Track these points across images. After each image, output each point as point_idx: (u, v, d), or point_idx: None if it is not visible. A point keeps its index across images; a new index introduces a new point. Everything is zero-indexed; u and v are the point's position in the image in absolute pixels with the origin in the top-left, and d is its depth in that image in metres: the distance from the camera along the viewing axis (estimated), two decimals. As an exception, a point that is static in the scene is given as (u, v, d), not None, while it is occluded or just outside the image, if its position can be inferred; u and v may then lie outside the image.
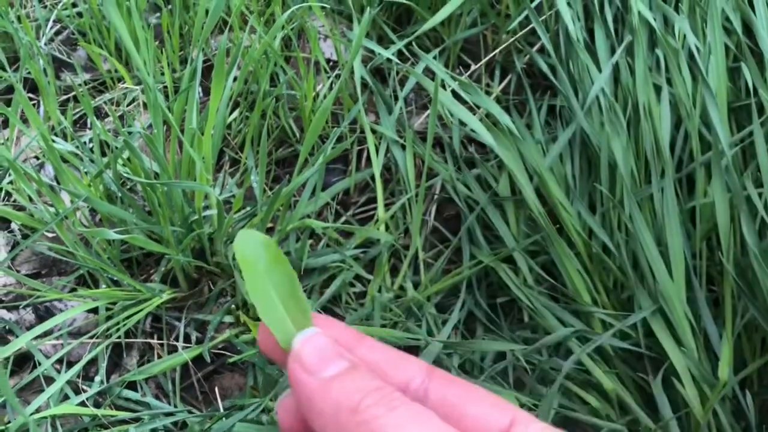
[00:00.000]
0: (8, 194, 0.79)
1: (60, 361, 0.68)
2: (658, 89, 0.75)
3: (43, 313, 0.71)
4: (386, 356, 0.34)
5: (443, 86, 0.78)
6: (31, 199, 0.73)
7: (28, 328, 0.69)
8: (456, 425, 0.32)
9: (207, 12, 0.72)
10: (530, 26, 0.85)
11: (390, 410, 0.29)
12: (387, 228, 0.77)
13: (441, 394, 0.33)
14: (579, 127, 0.75)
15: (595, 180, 0.73)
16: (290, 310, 0.35)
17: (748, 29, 0.78)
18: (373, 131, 0.81)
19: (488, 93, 0.87)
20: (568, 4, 0.83)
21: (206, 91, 0.84)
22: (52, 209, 0.71)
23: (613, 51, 0.80)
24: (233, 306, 0.73)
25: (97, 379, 0.67)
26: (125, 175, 0.68)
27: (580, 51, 0.76)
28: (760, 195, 0.64)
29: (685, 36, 0.78)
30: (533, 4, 0.83)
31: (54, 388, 0.63)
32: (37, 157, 0.81)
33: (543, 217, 0.69)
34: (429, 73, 0.85)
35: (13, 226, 0.77)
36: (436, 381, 0.34)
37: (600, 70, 0.78)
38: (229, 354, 0.70)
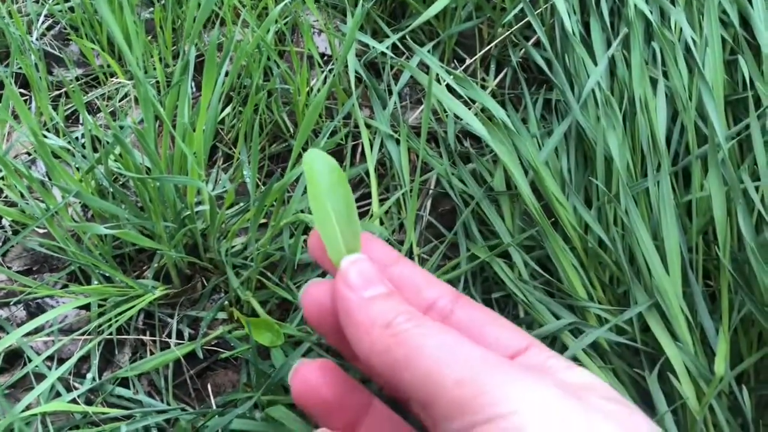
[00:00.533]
0: (0, 190, 0.78)
1: (51, 358, 0.68)
2: (654, 82, 0.75)
3: (35, 309, 0.71)
4: (421, 275, 0.40)
5: (438, 80, 0.77)
6: (22, 195, 0.72)
7: (19, 325, 0.68)
8: (478, 340, 0.35)
9: (199, 5, 0.72)
10: (526, 20, 0.84)
11: (417, 326, 0.34)
12: (382, 223, 0.77)
13: (465, 314, 0.38)
14: (575, 120, 0.74)
15: (591, 174, 0.73)
16: (343, 229, 0.39)
17: (746, 22, 0.78)
18: (368, 126, 0.81)
19: (484, 87, 0.86)
20: (564, -3, 0.82)
21: (199, 86, 0.83)
22: (43, 205, 0.70)
23: (609, 44, 0.80)
24: (226, 302, 0.72)
25: (89, 376, 0.67)
26: (116, 170, 0.68)
27: (575, 44, 0.75)
28: (756, 188, 0.63)
29: (681, 29, 0.78)
30: (528, -2, 0.83)
31: (44, 385, 0.62)
32: (28, 153, 0.81)
33: (538, 212, 0.68)
34: (424, 67, 0.84)
35: (4, 222, 0.77)
36: (461, 303, 0.38)
37: (596, 64, 0.77)
38: (221, 350, 0.70)
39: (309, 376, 0.39)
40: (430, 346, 0.32)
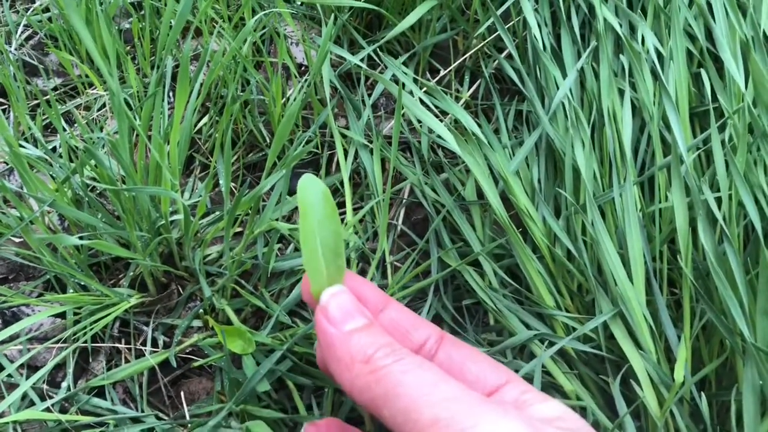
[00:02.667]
0: (-23, 199, 0.79)
1: (26, 366, 0.68)
2: (623, 94, 0.76)
3: (10, 318, 0.71)
4: (408, 318, 0.42)
5: (411, 92, 0.79)
6: (2, 204, 0.73)
7: (-6, 334, 0.69)
8: (459, 378, 0.37)
9: (174, 15, 0.73)
10: (498, 32, 0.85)
11: (396, 361, 0.35)
12: (356, 232, 0.78)
13: (448, 353, 0.40)
14: (544, 132, 0.76)
15: (560, 184, 0.74)
16: (329, 264, 0.39)
17: (712, 36, 0.79)
18: (343, 135, 0.82)
19: (458, 98, 0.88)
20: (536, 10, 0.84)
21: (177, 96, 0.84)
22: (18, 214, 0.71)
23: (580, 56, 0.81)
24: (202, 310, 0.73)
25: (64, 384, 0.67)
26: (88, 182, 0.69)
27: (545, 58, 0.77)
28: (717, 200, 0.65)
29: (651, 41, 0.79)
30: (501, 10, 0.84)
31: (17, 393, 0.63)
32: (5, 162, 0.81)
33: (506, 222, 0.69)
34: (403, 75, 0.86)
35: (-19, 231, 0.77)
36: (445, 342, 0.41)
37: (566, 75, 0.79)
38: (196, 358, 0.71)
39: None
40: (408, 384, 0.33)
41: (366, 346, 0.36)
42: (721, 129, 0.70)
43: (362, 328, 0.37)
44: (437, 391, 0.33)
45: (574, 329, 0.66)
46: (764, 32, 0.73)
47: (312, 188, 0.40)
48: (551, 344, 0.65)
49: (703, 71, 0.73)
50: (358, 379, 0.35)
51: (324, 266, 0.40)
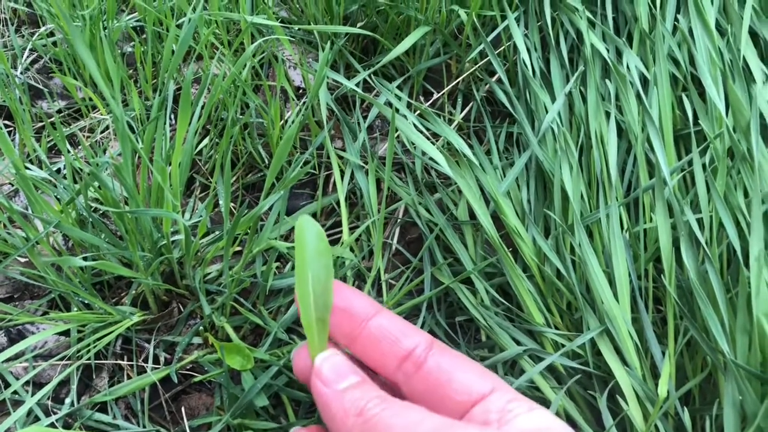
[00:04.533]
0: (-17, 219, 0.81)
1: (31, 383, 0.70)
2: (609, 117, 0.79)
3: (15, 336, 0.73)
4: (398, 325, 0.43)
5: (405, 116, 0.81)
6: (4, 225, 0.75)
7: (0, 351, 0.71)
8: (445, 388, 0.40)
9: (177, 40, 0.76)
10: (489, 56, 0.88)
11: (385, 408, 0.37)
12: (352, 250, 0.80)
13: (437, 361, 0.41)
14: (534, 154, 0.78)
15: (550, 204, 0.77)
16: (317, 298, 0.42)
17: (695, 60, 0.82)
18: (340, 157, 0.84)
19: (450, 121, 0.90)
20: (526, 35, 0.87)
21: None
22: (24, 235, 0.73)
23: (568, 79, 0.84)
24: (202, 328, 0.75)
25: (67, 400, 0.69)
26: (92, 203, 0.71)
27: (533, 84, 0.79)
28: (699, 221, 0.67)
29: (636, 66, 0.82)
30: (492, 36, 0.87)
31: (23, 409, 0.65)
32: (11, 183, 0.84)
33: (497, 242, 0.72)
34: (396, 100, 0.88)
35: (-13, 250, 0.79)
36: (435, 350, 0.42)
37: (555, 99, 0.82)
38: (196, 374, 0.73)
39: None
40: (396, 425, 0.36)
41: (358, 401, 0.38)
42: (704, 152, 0.73)
43: (355, 386, 0.39)
44: (422, 426, 0.35)
45: (563, 346, 0.68)
46: (743, 57, 0.75)
47: (309, 226, 0.44)
48: (540, 360, 0.67)
49: (685, 96, 0.75)
50: (354, 431, 0.37)
51: (312, 297, 0.42)
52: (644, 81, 0.82)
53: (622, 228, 0.71)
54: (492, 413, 0.38)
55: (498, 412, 0.38)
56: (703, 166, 0.70)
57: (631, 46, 0.86)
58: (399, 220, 0.83)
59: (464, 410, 0.39)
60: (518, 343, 0.70)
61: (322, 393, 0.39)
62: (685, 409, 0.61)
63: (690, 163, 0.73)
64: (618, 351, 0.66)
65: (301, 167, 0.81)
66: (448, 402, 0.39)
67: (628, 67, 0.82)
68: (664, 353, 0.66)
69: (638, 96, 0.78)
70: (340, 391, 0.39)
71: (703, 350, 0.63)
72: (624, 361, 0.65)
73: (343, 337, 0.43)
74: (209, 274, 0.78)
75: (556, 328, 0.71)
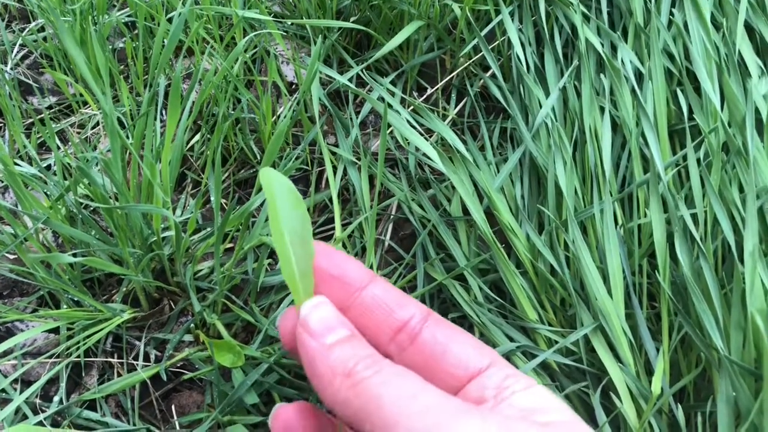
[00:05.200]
0: (-28, 216, 0.80)
1: (20, 381, 0.70)
2: (604, 112, 0.78)
3: (4, 333, 0.73)
4: (394, 296, 0.40)
5: (398, 112, 0.81)
6: (-7, 222, 0.75)
7: (-11, 349, 0.70)
8: (440, 361, 0.37)
9: (167, 35, 0.75)
10: (483, 51, 0.88)
11: (376, 372, 0.34)
12: (344, 246, 0.80)
13: (432, 333, 0.38)
14: (528, 149, 0.78)
15: (543, 200, 0.76)
16: (297, 252, 0.39)
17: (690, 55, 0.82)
18: (333, 153, 0.84)
19: (444, 116, 0.90)
20: (520, 30, 0.86)
21: (169, 114, 0.86)
22: (13, 231, 0.72)
23: (562, 74, 0.83)
24: (193, 325, 0.74)
25: (56, 398, 0.69)
26: (81, 200, 0.70)
27: (527, 78, 0.79)
28: (693, 216, 0.67)
29: (631, 61, 0.81)
30: (486, 30, 0.86)
31: (11, 407, 0.64)
32: (1, 180, 0.83)
33: (490, 238, 0.71)
34: (389, 95, 0.88)
35: (-23, 247, 0.79)
36: (431, 321, 0.39)
37: (549, 94, 0.81)
38: (187, 372, 0.72)
39: (288, 418, 0.41)
40: (387, 396, 0.33)
41: (346, 360, 0.35)
42: (698, 147, 0.72)
43: (344, 340, 0.37)
44: (415, 403, 0.33)
45: (556, 342, 0.67)
46: (739, 52, 0.75)
47: (275, 179, 0.41)
48: (534, 357, 0.67)
49: (680, 91, 0.75)
50: (339, 394, 0.35)
51: (292, 254, 0.40)
52: (639, 76, 0.82)
53: (616, 223, 0.70)
54: (488, 389, 0.36)
55: (495, 388, 0.36)
56: (698, 160, 0.69)
57: (626, 41, 0.85)
58: (392, 217, 0.82)
59: (460, 385, 0.37)
60: (511, 339, 0.69)
61: (309, 346, 0.36)
62: (679, 405, 0.60)
63: (685, 158, 0.72)
64: (612, 347, 0.65)
65: (293, 163, 0.80)
66: (443, 376, 0.37)
67: (622, 61, 0.82)
68: (658, 350, 0.65)
69: (633, 91, 0.78)
70: (328, 345, 0.36)
71: (698, 346, 0.63)
72: (618, 358, 0.64)
73: (335, 306, 0.40)
74: (200, 271, 0.77)
75: (550, 324, 0.71)
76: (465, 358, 0.38)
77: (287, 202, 0.40)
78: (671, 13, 0.85)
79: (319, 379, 0.37)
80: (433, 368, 0.38)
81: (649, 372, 0.65)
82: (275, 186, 0.40)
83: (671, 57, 0.83)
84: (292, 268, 0.39)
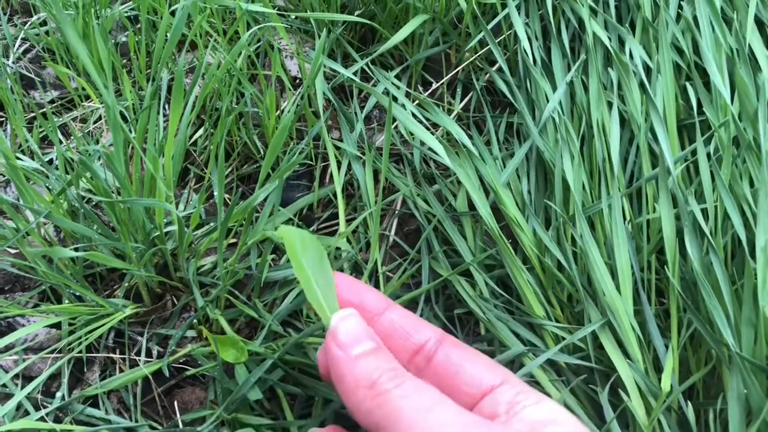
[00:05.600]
0: (-26, 211, 0.79)
1: (21, 376, 0.69)
2: (611, 106, 0.77)
3: (5, 328, 0.72)
4: (410, 321, 0.43)
5: (404, 105, 0.80)
6: (-5, 216, 0.74)
7: (-10, 344, 0.69)
8: (455, 380, 0.40)
9: (169, 29, 0.74)
10: (490, 45, 0.87)
11: (397, 386, 0.36)
12: (349, 242, 0.79)
13: (446, 354, 0.41)
14: (534, 144, 0.77)
15: (551, 195, 0.75)
16: (323, 291, 0.43)
17: (699, 49, 0.81)
18: (337, 147, 0.83)
19: (450, 110, 0.89)
20: (527, 24, 0.85)
21: (172, 109, 0.85)
22: (14, 225, 0.71)
23: (570, 68, 0.82)
24: (196, 320, 0.74)
25: (58, 394, 0.68)
26: (83, 194, 0.69)
27: (534, 72, 0.78)
28: (703, 211, 0.66)
29: (639, 55, 0.81)
30: (492, 24, 0.85)
31: (12, 403, 0.64)
32: (2, 174, 0.82)
33: (497, 234, 0.70)
34: (394, 89, 0.87)
35: (-22, 242, 0.78)
36: (445, 343, 0.42)
37: (556, 88, 0.80)
38: (190, 368, 0.71)
39: None
40: (407, 409, 0.35)
41: (371, 372, 0.37)
42: (708, 141, 0.71)
43: (369, 353, 0.39)
44: (431, 416, 0.35)
45: (564, 339, 0.67)
46: (749, 46, 0.74)
47: (292, 232, 0.45)
48: (541, 353, 0.66)
49: (689, 85, 0.74)
50: (363, 404, 0.36)
51: (313, 281, 0.44)
52: (647, 70, 0.81)
53: (624, 219, 0.69)
54: (501, 405, 0.38)
55: (507, 404, 0.38)
56: (708, 155, 0.68)
57: (633, 35, 0.84)
58: (397, 212, 0.81)
59: (473, 402, 0.39)
60: (517, 336, 0.69)
61: (337, 356, 0.39)
62: (689, 403, 0.59)
63: (694, 152, 0.72)
64: (620, 344, 0.64)
65: (297, 157, 0.79)
66: (457, 394, 0.39)
67: (630, 55, 0.81)
68: (667, 346, 0.64)
69: (641, 85, 0.77)
70: (354, 357, 0.38)
71: (707, 343, 0.62)
72: (626, 355, 0.64)
73: None
74: (203, 266, 0.77)
75: (557, 320, 0.70)
76: (478, 377, 0.40)
77: (303, 242, 0.43)
78: (680, 7, 0.84)
79: (344, 388, 0.38)
80: (448, 386, 0.40)
81: (658, 369, 0.65)
82: (291, 236, 0.44)
83: (679, 51, 0.82)
84: (316, 294, 0.42)
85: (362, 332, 0.40)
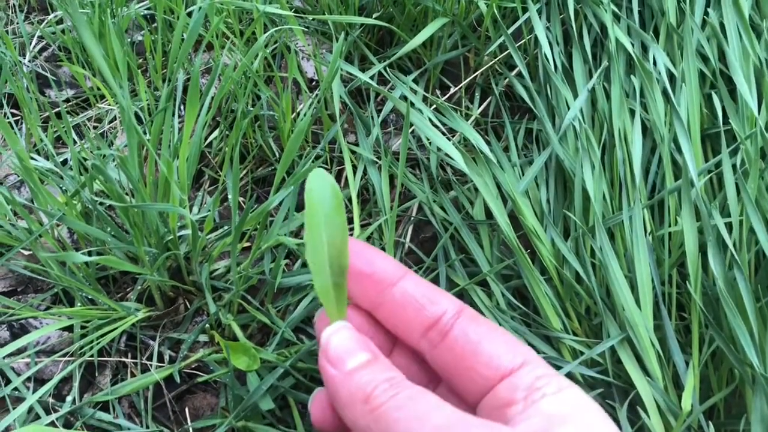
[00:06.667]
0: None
1: (33, 379, 0.69)
2: (634, 114, 0.76)
3: (18, 330, 0.72)
4: (425, 290, 0.39)
5: (421, 110, 0.78)
6: (15, 214, 0.73)
7: (2, 346, 0.69)
8: (471, 360, 0.36)
9: (186, 29, 0.73)
10: (510, 49, 0.85)
11: (392, 397, 0.34)
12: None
13: (463, 329, 0.37)
14: (554, 151, 0.75)
15: (570, 205, 0.74)
16: (332, 261, 0.38)
17: (725, 57, 0.79)
18: (352, 152, 0.82)
19: (468, 115, 0.88)
20: (548, 28, 0.84)
21: (187, 110, 0.85)
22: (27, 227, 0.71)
23: (591, 75, 0.81)
24: (208, 325, 0.73)
25: (69, 398, 0.67)
26: (96, 198, 0.69)
27: (555, 78, 0.76)
28: (728, 225, 0.64)
29: (663, 62, 0.79)
30: (512, 28, 0.84)
31: (23, 407, 0.63)
32: (16, 174, 0.82)
33: (515, 244, 0.69)
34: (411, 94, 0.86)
35: (-9, 242, 0.78)
36: (463, 317, 0.38)
37: (577, 94, 0.79)
38: (201, 374, 0.71)
39: (327, 401, 0.40)
40: (402, 420, 0.33)
41: (365, 386, 0.35)
42: (733, 153, 0.70)
43: (363, 366, 0.37)
44: (427, 424, 0.33)
45: (582, 353, 0.65)
46: (778, 55, 0.72)
47: (320, 183, 0.39)
48: (558, 368, 0.65)
49: (714, 95, 0.72)
50: (360, 420, 0.35)
51: (327, 264, 0.38)
52: (671, 77, 0.79)
53: (645, 231, 0.67)
54: (519, 390, 0.35)
55: (525, 389, 0.35)
56: (733, 167, 0.66)
57: (657, 41, 0.82)
58: (412, 218, 0.80)
59: (490, 385, 0.36)
60: (535, 349, 0.67)
61: (330, 375, 0.37)
62: (710, 423, 0.58)
63: (719, 164, 0.70)
64: (639, 359, 0.63)
65: (313, 161, 0.79)
66: (473, 375, 0.36)
67: (654, 62, 0.79)
68: (687, 363, 0.63)
69: (664, 93, 0.75)
70: (347, 372, 0.36)
71: (730, 361, 0.60)
72: (645, 371, 0.62)
73: (366, 303, 0.40)
74: (216, 270, 0.76)
75: (574, 333, 0.68)
76: (497, 357, 0.36)
77: (329, 208, 0.38)
78: (706, 13, 0.82)
79: (340, 405, 0.36)
80: (463, 367, 0.37)
81: (678, 386, 0.63)
82: (320, 188, 0.38)
83: (704, 58, 0.80)
84: (326, 281, 0.38)
85: (354, 345, 0.38)
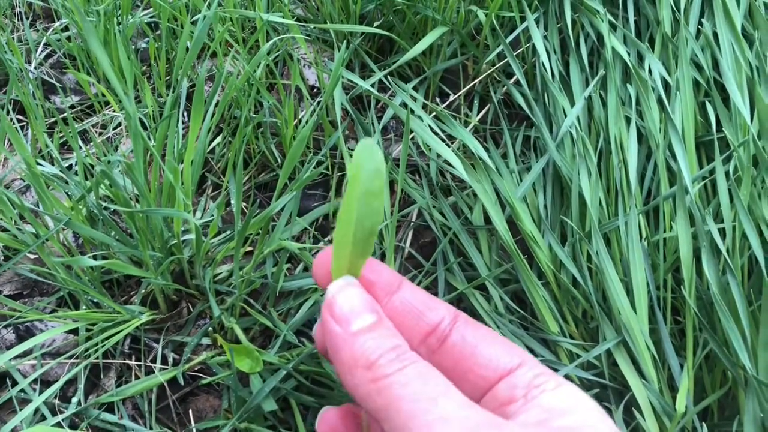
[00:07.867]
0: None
1: (39, 381, 0.70)
2: (630, 122, 0.77)
3: (24, 333, 0.73)
4: (422, 298, 0.39)
5: (421, 117, 0.80)
6: (21, 218, 0.75)
7: (8, 348, 0.70)
8: (470, 361, 0.37)
9: (191, 37, 0.75)
10: (508, 58, 0.87)
11: (399, 370, 0.33)
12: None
13: (461, 334, 0.38)
14: (551, 158, 0.77)
15: (567, 210, 0.75)
16: (356, 243, 0.37)
17: (719, 65, 0.80)
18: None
19: (467, 123, 0.89)
20: (545, 37, 0.85)
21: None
22: (34, 231, 0.72)
23: (588, 83, 0.82)
24: (211, 328, 0.74)
25: (74, 400, 0.69)
26: (101, 203, 0.70)
27: (552, 86, 0.78)
28: (722, 231, 0.66)
29: (658, 71, 0.80)
30: (510, 37, 0.86)
31: (30, 408, 0.64)
32: (23, 179, 0.83)
33: (513, 249, 0.70)
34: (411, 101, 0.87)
35: (-2, 246, 0.79)
36: (460, 323, 0.38)
37: (574, 102, 0.80)
38: (204, 376, 0.72)
39: (333, 422, 0.40)
40: (407, 399, 0.32)
41: (370, 351, 0.34)
42: (727, 160, 0.71)
43: (369, 328, 0.35)
44: (434, 409, 0.32)
45: (578, 356, 0.67)
46: (770, 64, 0.73)
47: (369, 156, 0.36)
48: (555, 371, 0.66)
49: (708, 103, 0.74)
50: (361, 387, 0.34)
51: (351, 245, 0.36)
52: (666, 86, 0.81)
53: (640, 236, 0.69)
54: (518, 388, 0.35)
55: (524, 387, 0.35)
56: (726, 174, 0.68)
57: (653, 50, 0.84)
58: (412, 224, 0.81)
59: (489, 385, 0.36)
60: (532, 352, 0.69)
61: (332, 331, 0.35)
62: (704, 424, 0.59)
63: (712, 171, 0.71)
64: (635, 362, 0.64)
65: (315, 168, 0.80)
66: (472, 377, 0.37)
67: (649, 71, 0.80)
68: (682, 366, 0.64)
69: (660, 101, 0.77)
70: (352, 332, 0.35)
71: (723, 364, 0.62)
72: (641, 374, 0.63)
73: None
74: (219, 274, 0.77)
75: (571, 337, 0.70)
76: (495, 358, 0.37)
77: (369, 187, 0.35)
78: (700, 23, 0.84)
79: (340, 367, 0.35)
80: (462, 369, 0.37)
81: (672, 388, 0.64)
82: (366, 163, 0.35)
83: (699, 67, 0.82)
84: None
85: (362, 304, 0.36)
